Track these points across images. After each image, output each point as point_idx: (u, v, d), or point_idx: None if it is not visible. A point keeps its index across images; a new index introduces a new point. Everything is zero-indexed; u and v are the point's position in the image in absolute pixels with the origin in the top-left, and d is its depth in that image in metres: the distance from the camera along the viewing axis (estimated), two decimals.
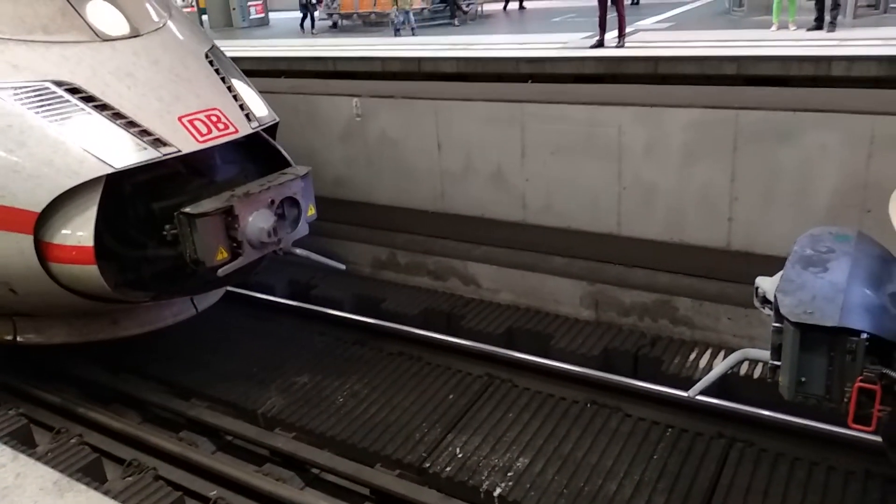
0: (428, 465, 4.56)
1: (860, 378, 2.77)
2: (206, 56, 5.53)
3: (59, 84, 4.59)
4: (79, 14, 4.96)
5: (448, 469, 4.50)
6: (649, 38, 11.94)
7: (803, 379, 2.93)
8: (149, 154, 4.55)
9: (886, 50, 9.03)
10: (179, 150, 4.69)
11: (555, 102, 6.67)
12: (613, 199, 6.45)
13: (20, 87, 4.52)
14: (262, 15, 22.38)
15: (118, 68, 4.86)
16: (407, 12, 15.92)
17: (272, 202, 5.01)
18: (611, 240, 6.50)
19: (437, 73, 11.00)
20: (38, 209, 4.36)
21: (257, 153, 5.54)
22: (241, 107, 5.31)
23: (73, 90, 4.60)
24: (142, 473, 4.60)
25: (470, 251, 6.85)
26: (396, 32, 15.76)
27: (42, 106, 4.48)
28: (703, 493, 4.15)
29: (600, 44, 11.12)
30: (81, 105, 4.55)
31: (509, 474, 4.42)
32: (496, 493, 4.29)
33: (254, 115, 5.36)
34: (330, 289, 7.01)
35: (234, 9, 21.16)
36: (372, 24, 17.97)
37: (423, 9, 16.81)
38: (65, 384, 5.81)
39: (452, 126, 7.15)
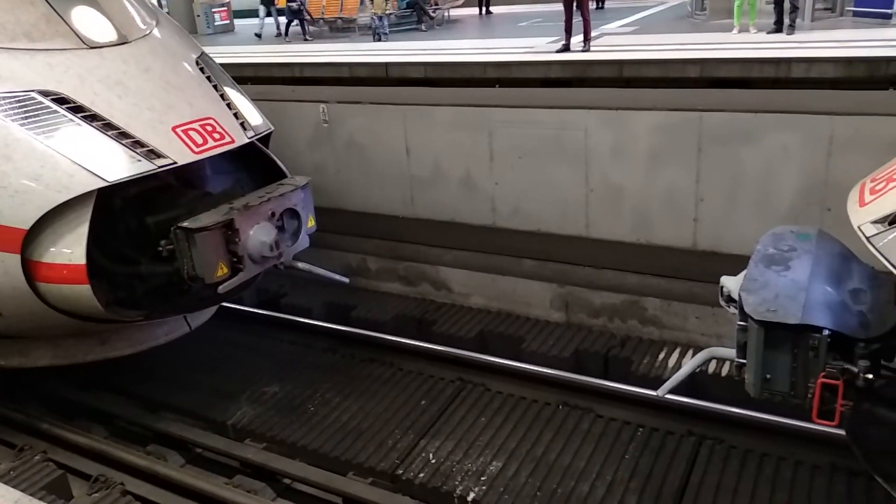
0: (401, 471, 4.54)
1: (823, 374, 2.83)
2: (197, 63, 5.32)
3: (45, 94, 4.37)
4: (64, 20, 4.71)
5: (421, 475, 4.49)
6: (614, 42, 12.04)
7: (768, 376, 2.98)
8: (143, 166, 4.33)
9: (843, 52, 9.23)
10: (175, 162, 4.47)
11: (522, 107, 6.71)
12: (581, 202, 6.50)
13: (4, 98, 4.28)
14: (227, 21, 22.14)
15: (107, 77, 4.63)
16: (381, 17, 15.87)
17: (273, 214, 4.81)
18: (580, 242, 6.54)
19: (405, 78, 10.95)
20: (26, 226, 4.13)
21: (249, 162, 5.36)
22: (236, 115, 5.11)
23: (61, 100, 4.37)
24: (109, 489, 4.52)
25: (441, 256, 6.85)
26: (378, 38, 15.68)
27: (28, 117, 4.24)
28: (674, 491, 4.19)
29: (566, 48, 11.16)
30: (70, 116, 4.33)
31: (482, 479, 4.42)
32: (469, 498, 4.28)
33: (248, 124, 5.16)
34: (299, 297, 6.95)
35: (198, 15, 20.86)
36: (339, 29, 17.87)
37: (389, 14, 16.77)
38: (27, 400, 5.66)
39: (421, 131, 7.14)
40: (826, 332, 2.80)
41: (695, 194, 5.92)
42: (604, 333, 5.87)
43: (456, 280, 6.72)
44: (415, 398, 5.26)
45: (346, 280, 5.63)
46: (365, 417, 5.09)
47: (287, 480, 4.80)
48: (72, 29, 4.71)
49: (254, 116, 5.32)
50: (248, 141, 5.05)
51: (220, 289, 4.63)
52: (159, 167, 4.40)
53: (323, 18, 17.77)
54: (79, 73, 4.55)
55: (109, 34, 4.88)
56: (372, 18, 16.16)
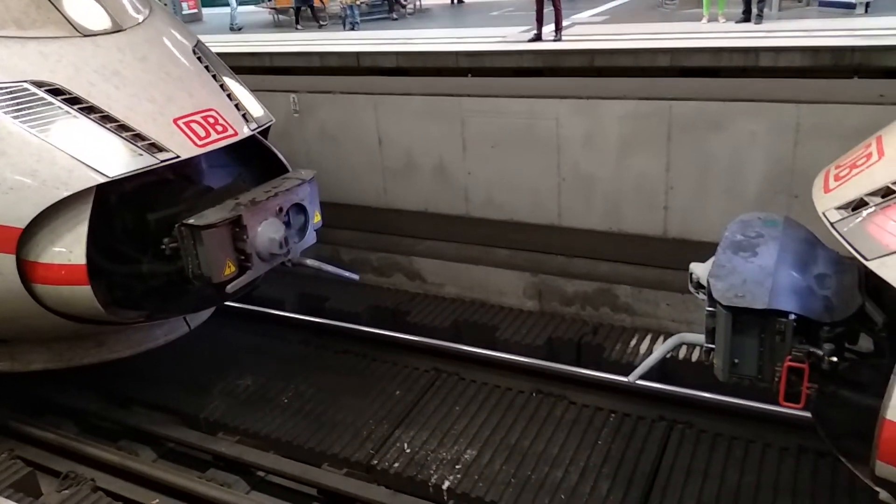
0: (376, 461, 4.54)
1: (789, 357, 2.88)
2: (194, 52, 5.11)
3: (38, 85, 4.12)
4: (55, 6, 4.46)
5: (396, 465, 4.49)
6: (585, 32, 12.11)
7: (736, 360, 3.02)
8: (145, 161, 4.13)
9: (810, 41, 9.38)
10: (178, 156, 4.27)
11: (494, 96, 6.72)
12: (553, 191, 6.54)
13: None
14: (195, 10, 21.79)
15: (103, 66, 4.39)
16: (352, 7, 15.71)
17: (280, 210, 4.64)
18: (552, 231, 6.59)
19: (377, 67, 10.92)
20: (22, 225, 3.92)
21: (246, 155, 5.18)
22: (237, 106, 4.89)
23: (56, 91, 4.14)
24: (79, 485, 4.45)
25: (414, 246, 6.84)
26: (352, 27, 15.52)
27: (21, 110, 4.00)
28: (646, 475, 4.24)
29: (538, 37, 11.23)
30: (66, 108, 4.10)
31: (457, 467, 4.44)
32: (445, 487, 4.30)
33: (250, 116, 4.95)
34: (272, 288, 6.88)
35: (165, 4, 20.50)
36: (308, 18, 17.69)
37: (360, 2, 16.64)
38: None
39: (393, 121, 7.11)
40: (792, 317, 2.85)
41: (665, 182, 5.98)
42: (576, 321, 5.92)
43: (429, 270, 6.72)
44: (389, 389, 5.26)
45: (356, 277, 5.40)
46: (339, 409, 5.08)
47: (261, 473, 4.77)
48: (64, 16, 4.47)
49: (255, 107, 5.12)
50: (250, 133, 4.86)
51: (229, 288, 4.46)
52: (162, 161, 4.19)
53: (293, 7, 17.58)
54: (73, 63, 4.32)
55: (103, 21, 4.65)
56: (342, 8, 16.02)
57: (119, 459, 4.76)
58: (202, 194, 4.71)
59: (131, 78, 4.47)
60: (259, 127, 4.97)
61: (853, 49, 8.68)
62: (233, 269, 4.45)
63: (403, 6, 18.06)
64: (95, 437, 5.18)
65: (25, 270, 4.04)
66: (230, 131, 4.65)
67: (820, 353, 2.89)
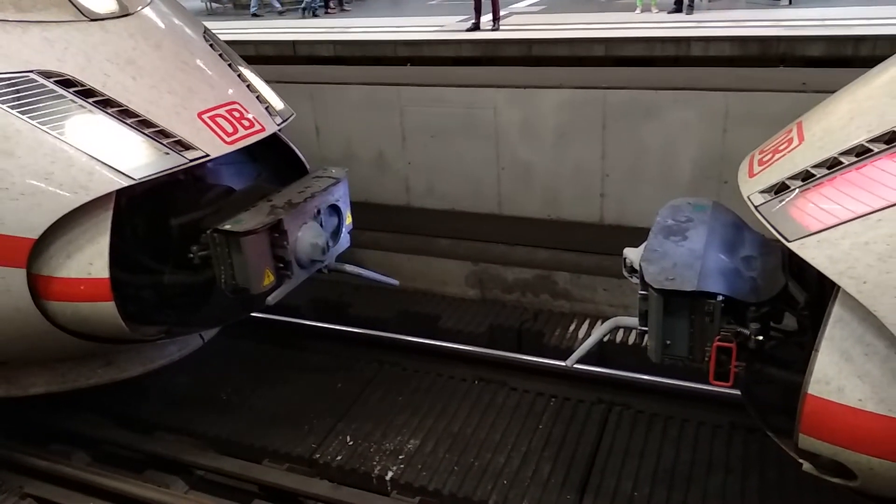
0: (318, 455, 4.49)
1: (718, 337, 2.97)
2: (205, 38, 4.66)
3: (46, 75, 3.64)
4: None
5: (339, 458, 4.46)
6: (523, 22, 12.21)
7: (668, 342, 3.10)
8: (172, 160, 3.70)
9: (739, 31, 9.68)
10: (207, 155, 3.84)
11: (433, 85, 6.69)
12: (493, 180, 6.58)
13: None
14: None
15: (116, 54, 3.92)
16: None
17: (318, 212, 4.32)
18: (493, 219, 6.63)
19: (314, 56, 10.78)
20: (34, 235, 3.47)
21: (253, 151, 4.72)
22: (258, 99, 4.46)
23: (66, 82, 3.67)
24: (5, 493, 4.26)
25: (355, 237, 6.77)
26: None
27: (29, 104, 3.54)
28: (586, 457, 4.33)
29: (476, 27, 11.28)
30: (80, 101, 3.64)
31: (400, 457, 4.43)
32: (388, 477, 4.29)
33: (273, 109, 4.52)
34: None
35: None
36: (244, 7, 17.30)
37: None
38: None
39: (330, 111, 7.02)
40: (720, 298, 2.94)
41: (601, 170, 6.09)
42: (517, 308, 5.98)
43: (371, 261, 6.65)
44: (331, 382, 5.21)
45: (396, 283, 5.14)
46: (280, 404, 5.01)
47: (200, 472, 4.67)
48: None
49: (275, 100, 4.70)
50: (277, 128, 4.43)
51: (269, 299, 4.14)
52: (191, 161, 3.76)
53: None
54: (83, 50, 3.84)
55: (109, 4, 4.17)
56: None
57: (49, 465, 4.58)
58: (224, 196, 4.34)
59: (148, 67, 4.00)
60: (284, 121, 4.58)
61: (779, 39, 9.00)
62: (271, 278, 4.09)
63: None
64: (23, 441, 4.97)
65: (36, 286, 3.61)
66: (257, 126, 4.21)
67: (747, 332, 2.99)
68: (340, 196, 4.57)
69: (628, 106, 5.90)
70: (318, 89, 7.03)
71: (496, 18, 11.24)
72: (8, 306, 3.63)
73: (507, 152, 6.43)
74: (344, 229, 4.67)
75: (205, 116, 3.98)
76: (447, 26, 12.01)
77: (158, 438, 4.87)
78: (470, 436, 4.57)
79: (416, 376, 5.23)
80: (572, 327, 5.60)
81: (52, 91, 3.62)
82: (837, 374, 2.52)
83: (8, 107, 3.51)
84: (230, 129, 4.03)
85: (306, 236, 4.17)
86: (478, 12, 11.37)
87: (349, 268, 4.71)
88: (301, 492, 4.32)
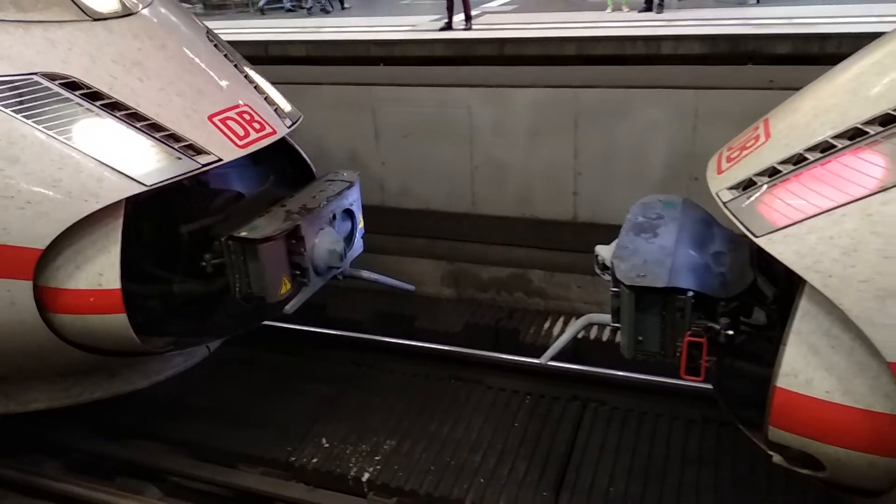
0: (293, 458, 4.46)
1: (689, 333, 2.99)
2: (209, 39, 4.52)
3: (51, 77, 3.49)
4: None
5: (315, 460, 4.43)
6: (495, 21, 12.24)
7: (640, 338, 3.13)
8: (184, 165, 3.57)
9: (708, 29, 9.79)
10: (220, 159, 3.70)
11: (406, 85, 6.68)
12: (467, 179, 6.58)
13: (1, 83, 3.40)
14: None
15: (121, 56, 3.78)
16: None
17: (334, 217, 4.22)
18: (467, 219, 6.64)
19: (285, 56, 10.69)
20: (41, 246, 3.32)
21: (256, 155, 4.50)
22: (266, 100, 4.32)
23: (72, 85, 3.53)
24: None
25: None
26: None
27: (34, 108, 3.39)
28: (561, 454, 4.35)
29: (448, 26, 11.27)
30: (87, 104, 3.50)
31: (377, 458, 4.42)
32: (364, 479, 4.28)
33: (282, 111, 4.38)
34: None
35: None
36: (214, 7, 17.14)
37: None
38: None
39: (302, 111, 6.94)
40: (690, 294, 2.97)
41: (573, 168, 6.12)
42: (493, 307, 6.00)
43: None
44: (307, 384, 5.18)
45: (412, 288, 5.09)
46: (255, 407, 4.96)
47: (174, 478, 4.62)
48: None
49: (283, 102, 4.56)
50: (288, 131, 4.30)
51: (287, 308, 4.05)
52: (203, 166, 3.63)
53: None
54: (87, 52, 3.69)
55: (112, 4, 4.03)
56: None
57: (20, 475, 4.50)
58: (233, 201, 4.22)
59: (154, 69, 3.87)
60: (294, 123, 4.44)
61: (747, 37, 9.13)
62: (288, 286, 3.97)
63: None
64: None
65: (43, 298, 3.47)
66: (268, 129, 4.07)
67: (717, 327, 3.02)
68: (354, 200, 4.47)
69: (600, 104, 5.93)
70: (290, 89, 6.94)
71: (468, 18, 11.25)
72: (12, 320, 3.48)
73: (480, 151, 6.44)
74: (357, 234, 4.58)
75: (215, 119, 3.86)
76: (419, 26, 12.00)
77: (131, 445, 4.81)
78: (446, 435, 4.57)
79: (393, 377, 5.22)
80: (547, 325, 5.63)
81: (58, 94, 3.48)
82: (805, 366, 2.55)
83: (12, 111, 3.36)
84: (242, 133, 3.91)
85: (323, 242, 4.07)
86: (450, 11, 11.38)
87: (365, 273, 4.60)
88: (277, 496, 4.30)
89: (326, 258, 4.06)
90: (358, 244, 4.59)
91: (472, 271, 6.19)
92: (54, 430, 4.95)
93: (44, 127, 3.38)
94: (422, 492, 4.16)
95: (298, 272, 4.02)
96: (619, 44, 9.55)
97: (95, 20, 3.85)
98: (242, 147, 3.86)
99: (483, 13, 13.08)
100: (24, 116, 3.36)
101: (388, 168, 6.84)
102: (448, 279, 6.31)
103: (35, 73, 3.49)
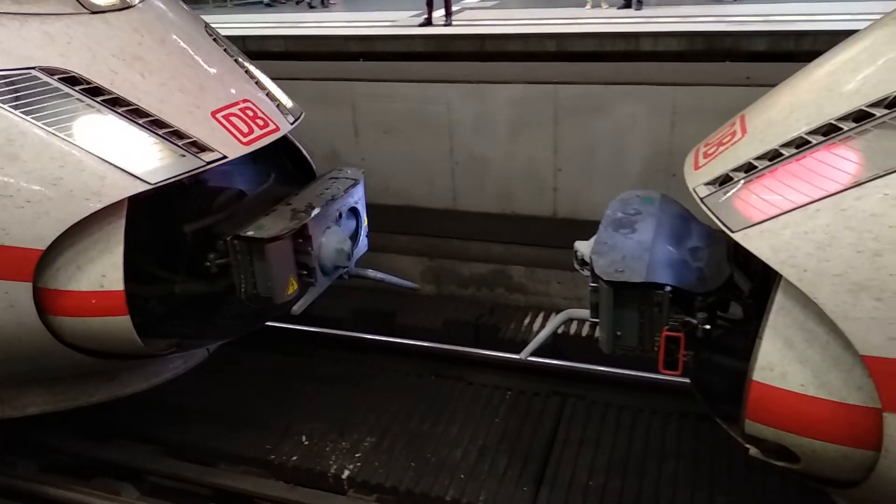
0: (273, 456, 4.44)
1: (666, 327, 3.02)
2: (208, 33, 4.40)
3: (50, 72, 3.38)
4: None
5: (294, 458, 4.41)
6: (475, 17, 12.24)
7: (619, 333, 3.15)
8: (188, 163, 3.48)
9: (686, 27, 9.86)
10: (224, 157, 3.62)
11: (385, 81, 6.65)
12: (448, 175, 6.57)
13: None
14: None
15: (121, 50, 3.67)
16: None
17: (340, 215, 4.15)
18: (448, 215, 6.63)
19: (264, 52, 10.60)
20: (41, 246, 3.22)
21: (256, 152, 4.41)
22: (269, 96, 4.22)
23: (72, 80, 3.41)
24: None
25: None
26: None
27: (33, 103, 3.29)
28: (542, 449, 4.37)
29: (428, 22, 11.24)
30: (88, 100, 3.40)
31: (357, 455, 4.41)
32: (344, 476, 4.27)
33: (284, 107, 4.29)
34: None
35: None
36: (191, 0, 16.96)
37: None
38: None
39: None
40: (668, 289, 2.99)
41: (553, 165, 6.14)
42: (473, 303, 6.01)
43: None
44: (286, 381, 5.15)
45: (417, 287, 5.08)
46: (234, 405, 4.93)
47: (153, 478, 4.57)
48: None
49: (284, 98, 4.47)
50: (291, 127, 4.20)
51: (295, 309, 4.01)
52: (208, 163, 3.55)
53: None
54: (87, 45, 3.57)
55: None
56: None
57: None
58: (235, 199, 4.13)
59: (155, 64, 3.75)
60: (296, 119, 4.35)
61: (725, 34, 9.20)
62: (295, 286, 3.90)
63: None
64: None
65: (43, 301, 3.38)
66: (272, 126, 3.98)
67: (694, 322, 3.05)
68: (359, 198, 4.42)
69: (579, 101, 5.95)
70: None
71: (448, 13, 11.23)
72: (11, 323, 3.39)
73: (460, 147, 6.43)
74: (362, 232, 4.52)
75: (219, 116, 3.76)
76: (399, 21, 11.95)
77: (108, 444, 4.74)
78: (427, 431, 4.57)
79: (373, 373, 5.21)
80: (527, 320, 5.64)
81: (58, 89, 3.37)
82: (781, 360, 2.58)
83: (9, 107, 3.25)
84: (245, 129, 3.82)
85: (330, 241, 4.00)
86: (430, 7, 11.35)
87: (370, 273, 4.55)
88: (256, 494, 4.27)
89: (334, 257, 4.00)
90: (363, 243, 4.52)
91: (453, 267, 6.19)
92: (28, 429, 4.87)
93: (43, 123, 3.28)
94: (402, 489, 4.16)
95: (305, 272, 3.94)
96: (599, 40, 9.59)
97: (93, 13, 3.74)
98: (246, 144, 3.78)
99: (463, 9, 13.07)
100: (22, 112, 3.27)
101: (368, 164, 6.80)
102: (428, 275, 6.30)
103: (33, 68, 3.38)
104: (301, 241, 3.84)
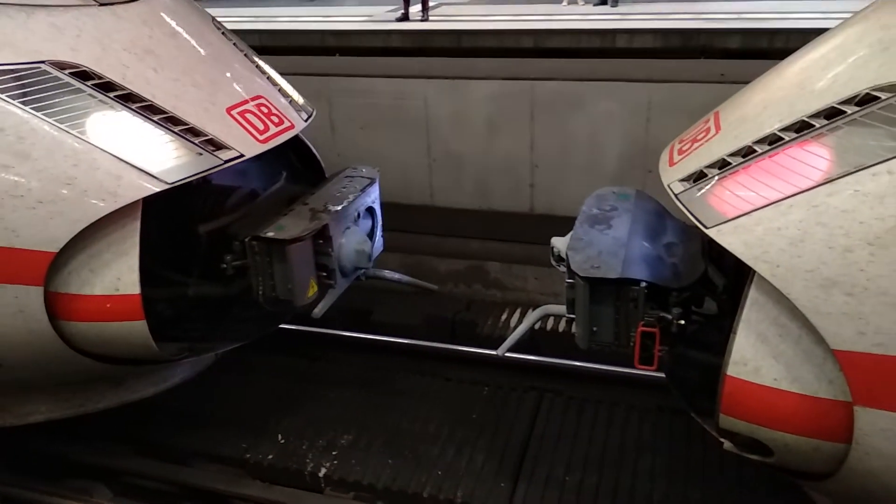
0: (248, 455, 4.40)
1: (642, 322, 3.04)
2: (217, 27, 4.26)
3: (60, 66, 3.23)
4: None
5: (270, 457, 4.38)
6: (452, 12, 12.19)
7: (595, 328, 3.16)
8: (206, 161, 3.35)
9: (662, 24, 9.91)
10: (242, 155, 3.49)
11: (362, 76, 6.61)
12: (425, 171, 6.56)
13: (5, 73, 3.13)
14: None
15: (132, 43, 3.52)
16: None
17: (358, 216, 4.06)
18: (425, 211, 6.61)
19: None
20: (54, 248, 3.09)
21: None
22: (281, 92, 4.09)
23: (83, 74, 3.26)
24: None
25: None
26: None
27: (43, 99, 3.14)
28: (519, 444, 4.38)
29: (405, 17, 11.17)
30: (100, 95, 3.25)
31: (334, 453, 4.39)
32: (321, 474, 4.24)
33: (297, 104, 4.16)
34: None
35: None
36: None
37: None
38: None
39: None
40: (643, 284, 3.01)
41: (530, 161, 6.15)
42: (451, 299, 6.00)
43: None
44: (262, 379, 5.11)
45: (435, 287, 4.94)
46: (209, 404, 4.87)
47: (127, 477, 4.50)
48: None
49: (296, 94, 4.34)
50: (305, 125, 4.06)
51: (316, 312, 3.92)
52: (226, 162, 3.41)
53: None
54: (97, 39, 3.42)
55: None
56: None
57: None
58: (248, 199, 4.04)
59: (167, 58, 3.60)
60: (310, 116, 4.21)
61: (699, 31, 9.26)
62: (315, 288, 3.81)
63: None
64: None
65: (55, 305, 3.25)
66: (286, 123, 3.85)
67: (669, 317, 3.07)
68: (376, 197, 4.33)
69: (556, 97, 5.97)
70: None
71: (425, 8, 11.17)
72: (20, 329, 3.25)
73: (437, 143, 6.42)
74: (378, 232, 4.43)
75: (234, 112, 3.63)
76: (376, 16, 11.87)
77: (79, 444, 4.66)
78: (404, 428, 4.56)
79: (350, 370, 5.19)
80: (504, 316, 5.65)
81: (69, 84, 3.23)
82: (754, 354, 2.61)
83: (19, 103, 3.10)
84: (261, 127, 3.69)
85: (350, 242, 3.91)
86: (406, 2, 11.28)
87: (388, 273, 4.45)
88: (232, 493, 4.23)
89: (354, 258, 3.92)
90: (379, 243, 4.43)
91: (430, 263, 6.18)
92: None
93: (55, 120, 3.14)
94: (379, 486, 4.14)
95: (325, 273, 3.86)
96: (575, 37, 9.59)
97: (102, 5, 3.60)
98: (263, 142, 3.65)
99: (440, 4, 13.02)
100: (33, 109, 3.12)
101: (345, 160, 6.71)
102: (405, 272, 6.25)
103: (43, 62, 3.24)
104: (321, 242, 3.76)
